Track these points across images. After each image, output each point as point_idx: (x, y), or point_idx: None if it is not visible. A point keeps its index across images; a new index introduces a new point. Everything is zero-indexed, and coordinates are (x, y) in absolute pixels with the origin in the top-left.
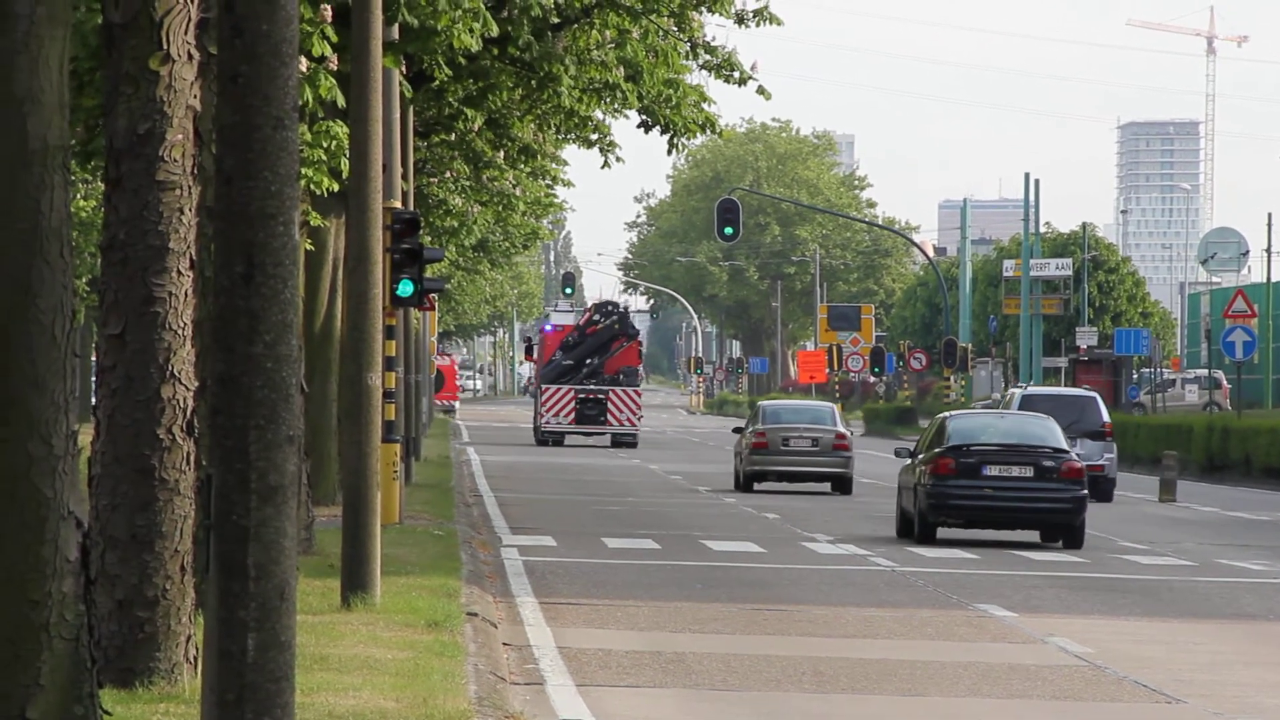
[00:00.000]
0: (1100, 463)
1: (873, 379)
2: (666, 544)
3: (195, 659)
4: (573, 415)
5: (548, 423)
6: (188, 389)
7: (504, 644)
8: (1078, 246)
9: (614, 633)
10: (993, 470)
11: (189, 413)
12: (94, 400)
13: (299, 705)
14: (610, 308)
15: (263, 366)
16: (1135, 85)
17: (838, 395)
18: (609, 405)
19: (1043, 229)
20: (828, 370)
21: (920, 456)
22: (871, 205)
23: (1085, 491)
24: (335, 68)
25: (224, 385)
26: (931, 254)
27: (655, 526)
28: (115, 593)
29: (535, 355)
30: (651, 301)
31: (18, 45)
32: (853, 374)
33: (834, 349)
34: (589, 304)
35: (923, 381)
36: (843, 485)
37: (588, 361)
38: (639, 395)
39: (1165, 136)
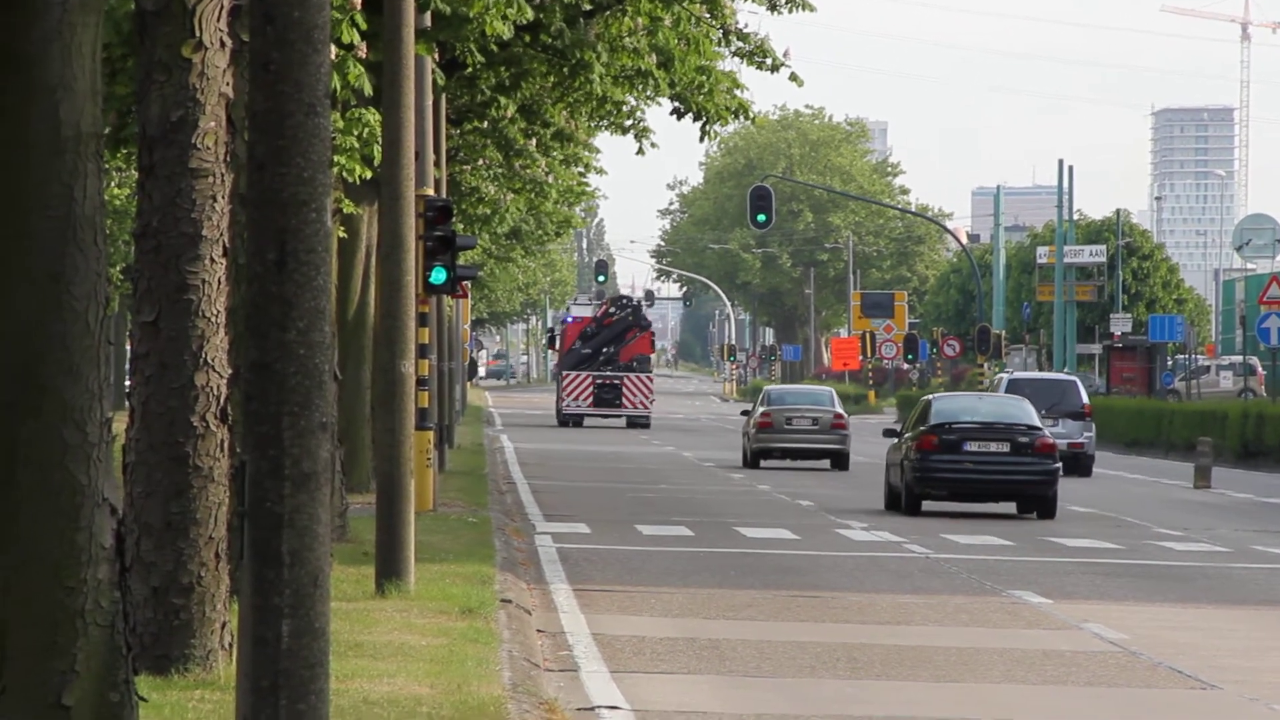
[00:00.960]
0: (1080, 440)
1: (906, 366)
2: (700, 531)
3: (230, 646)
4: (591, 399)
5: (568, 405)
6: (221, 376)
7: (538, 631)
8: (1111, 233)
9: (648, 619)
10: (973, 446)
11: (222, 400)
12: (128, 388)
13: (333, 692)
14: (625, 301)
15: (296, 353)
16: (1170, 71)
17: (871, 382)
18: (624, 390)
19: (1076, 215)
20: (861, 357)
21: (906, 435)
22: (905, 192)
23: (1058, 465)
24: (364, 55)
25: (257, 372)
26: (965, 241)
27: (689, 513)
28: (150, 580)
29: (557, 345)
30: (684, 289)
31: (51, 33)
32: (886, 361)
33: (867, 336)
34: (605, 297)
35: (956, 368)
36: (840, 461)
37: (604, 350)
38: (651, 380)
39: (1200, 123)
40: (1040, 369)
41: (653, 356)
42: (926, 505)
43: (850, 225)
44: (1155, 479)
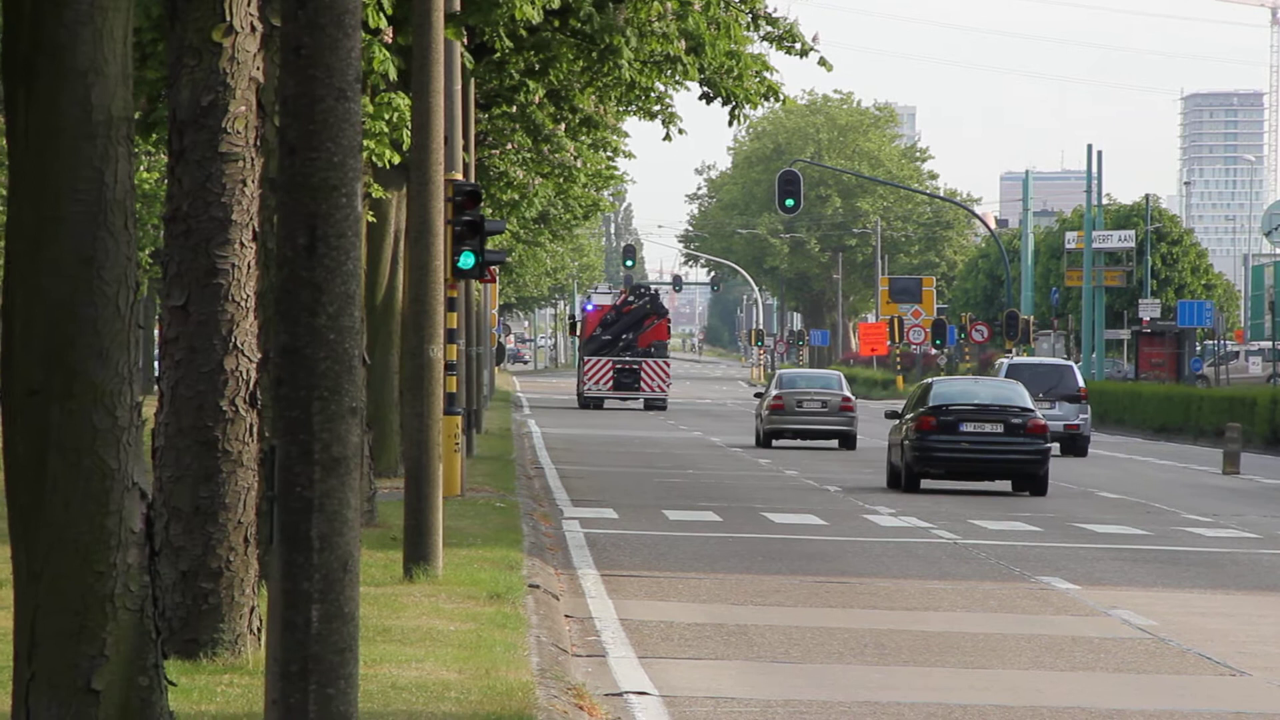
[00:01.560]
0: (1076, 422)
1: (934, 351)
2: (728, 516)
3: (258, 630)
4: (611, 382)
5: (589, 389)
6: (250, 361)
7: (566, 616)
8: (1140, 218)
9: (676, 605)
10: (969, 427)
11: (252, 384)
12: (157, 372)
13: (361, 677)
14: (643, 290)
15: (326, 338)
16: (1199, 56)
17: (899, 367)
18: (642, 374)
19: (1105, 201)
20: (889, 342)
21: (907, 416)
22: (933, 177)
23: (1049, 445)
24: (390, 40)
25: (287, 357)
26: (993, 226)
27: (716, 498)
28: (179, 564)
29: (578, 331)
30: (712, 274)
31: (82, 17)
32: (914, 346)
33: (895, 321)
34: (624, 286)
35: (984, 354)
36: (848, 441)
37: (624, 336)
38: (668, 365)
39: (1229, 108)
40: (1069, 355)
41: (669, 342)
42: (925, 483)
43: (878, 210)
44: (1184, 464)
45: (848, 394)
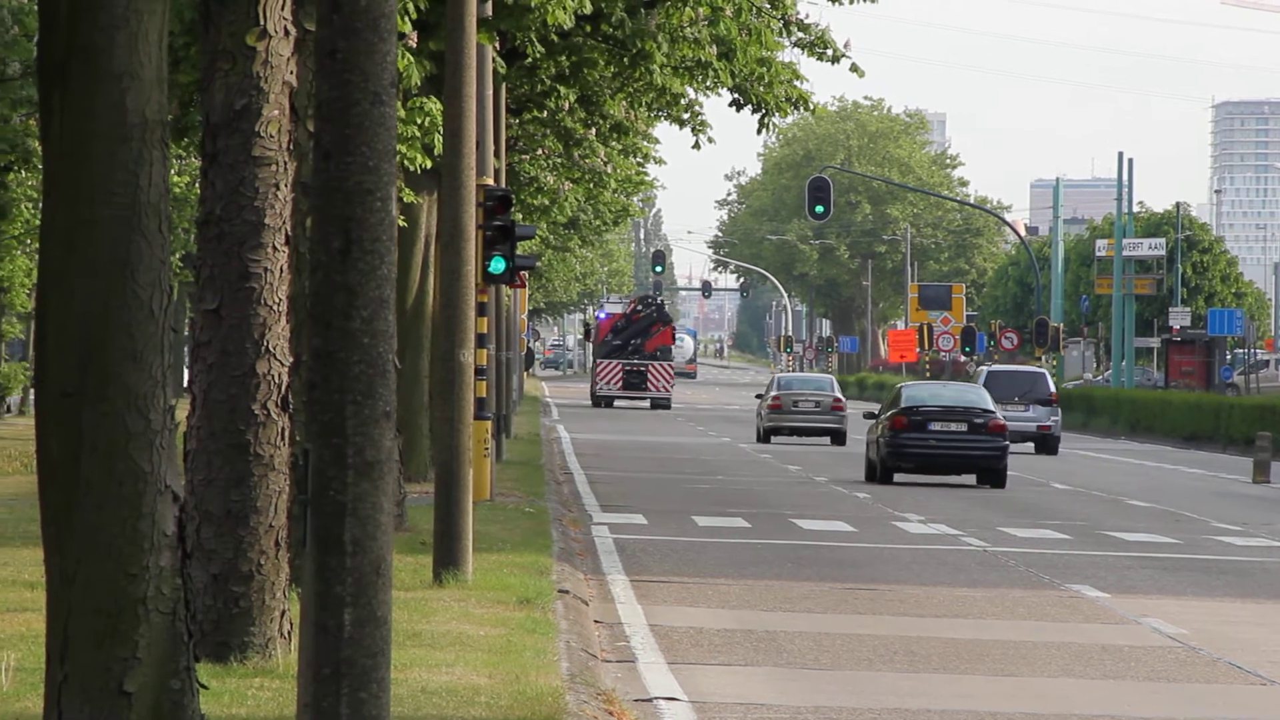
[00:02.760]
0: (1048, 423)
1: (963, 358)
2: (757, 523)
3: (289, 634)
4: (620, 383)
5: (601, 389)
6: (283, 364)
7: (595, 621)
8: (1171, 226)
9: (705, 611)
10: (936, 426)
11: (284, 388)
12: (189, 376)
13: (392, 681)
14: (650, 300)
15: (360, 342)
16: (1230, 65)
17: (928, 374)
18: (649, 376)
19: (1136, 208)
20: (918, 349)
21: (882, 417)
22: (963, 184)
23: (1007, 443)
24: (413, 44)
25: (321, 360)
26: (1023, 233)
27: (745, 505)
28: (210, 567)
29: (592, 337)
30: (741, 280)
31: (118, 20)
32: (943, 353)
33: (924, 328)
34: (633, 297)
35: (1014, 361)
36: (838, 438)
37: (632, 342)
38: (672, 368)
39: (1260, 116)
40: (1098, 363)
41: (673, 348)
42: (898, 477)
43: (908, 217)
44: (1214, 473)
45: (839, 395)
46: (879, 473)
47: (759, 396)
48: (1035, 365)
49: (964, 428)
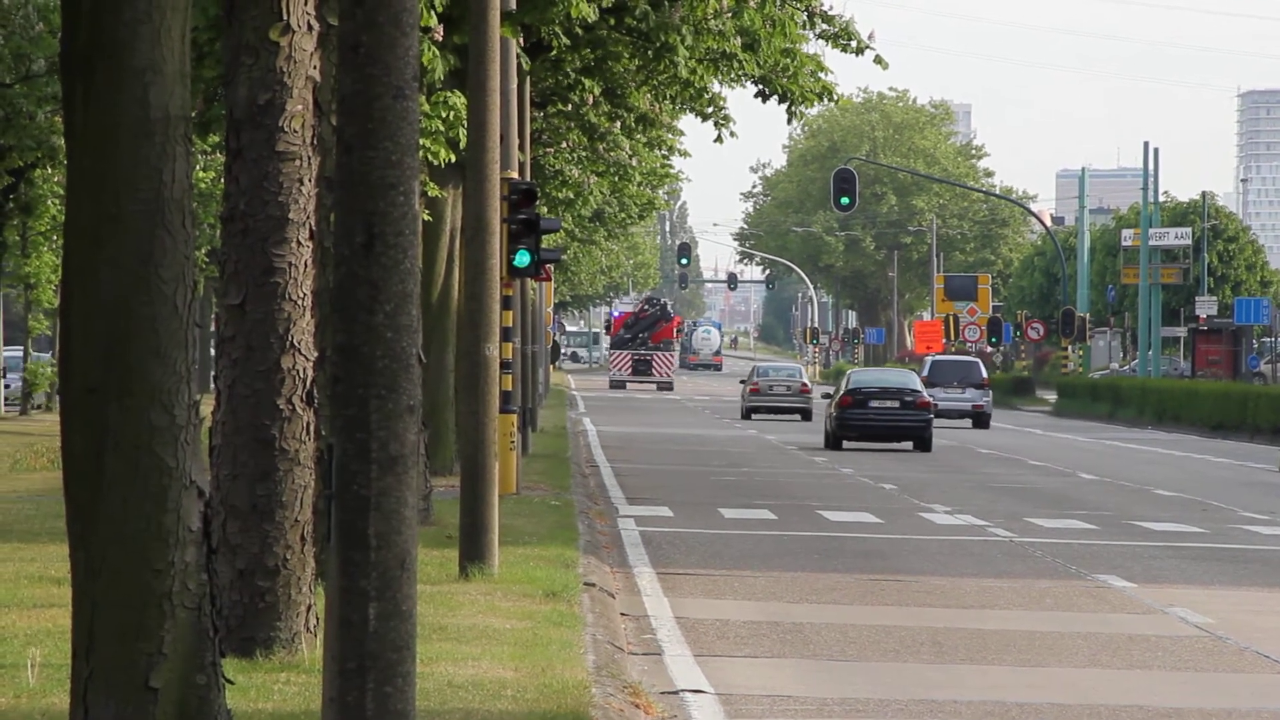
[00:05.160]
0: (980, 403)
1: (990, 349)
2: (783, 514)
3: (315, 628)
4: (630, 369)
5: (614, 374)
6: (307, 359)
7: (621, 614)
8: (1197, 215)
9: (731, 603)
10: (875, 404)
11: (308, 383)
12: (214, 371)
13: (418, 675)
14: (655, 300)
15: (383, 336)
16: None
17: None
18: (654, 363)
19: (1162, 198)
20: (944, 340)
21: (834, 397)
22: (989, 174)
23: (931, 415)
24: (440, 38)
25: (344, 355)
26: (1049, 223)
27: (771, 496)
28: (236, 562)
29: (608, 331)
30: (767, 271)
31: (141, 15)
32: (969, 344)
33: (950, 319)
34: (643, 298)
35: (1040, 351)
36: (806, 415)
37: (640, 335)
38: (674, 356)
39: None
40: (1124, 352)
41: (675, 341)
42: (847, 445)
43: (934, 208)
44: (1240, 462)
45: (806, 382)
46: (831, 441)
47: (743, 382)
48: (971, 357)
49: (897, 404)
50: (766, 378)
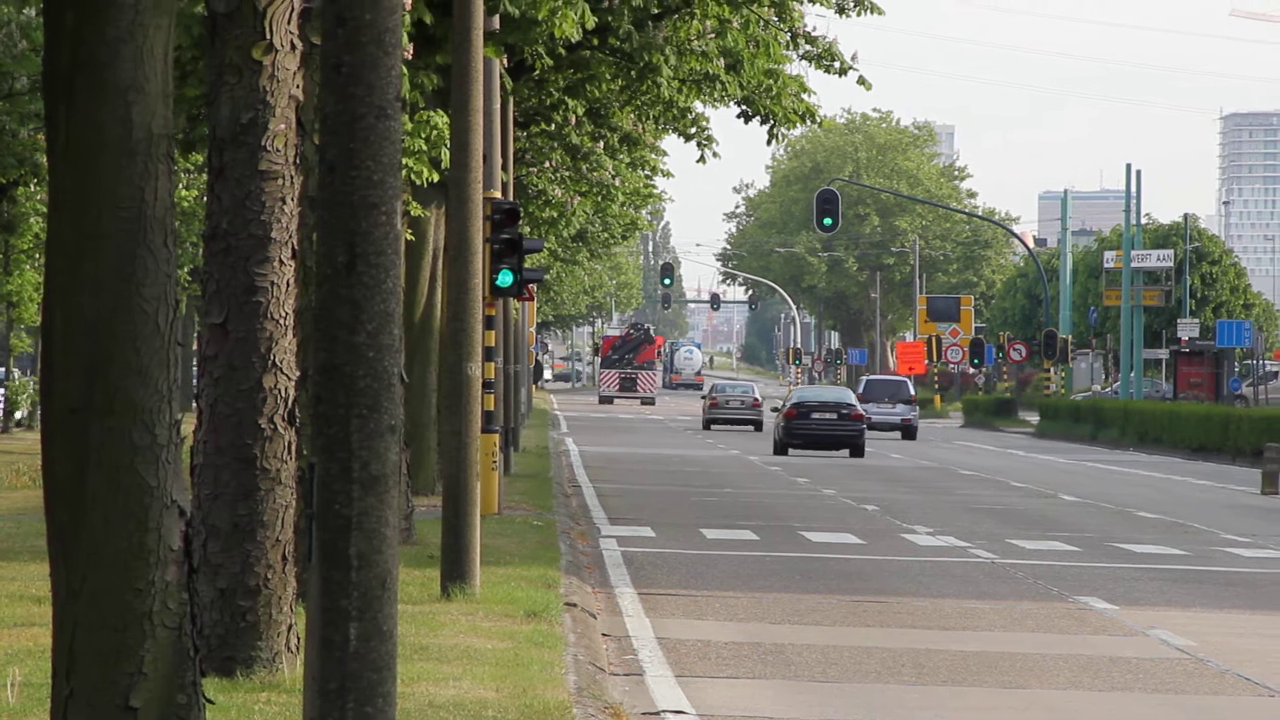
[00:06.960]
0: (909, 416)
1: (972, 370)
2: (765, 535)
3: (296, 648)
4: (617, 386)
5: (603, 390)
6: (289, 378)
7: (603, 634)
8: (1179, 238)
9: (713, 624)
10: (816, 416)
11: (290, 402)
12: (195, 389)
13: (399, 695)
14: (640, 325)
15: (365, 356)
16: (1238, 76)
17: (937, 386)
18: (638, 380)
19: (1144, 220)
20: (927, 361)
21: (781, 410)
22: (971, 196)
23: (864, 426)
24: (409, 57)
25: (326, 374)
26: (1032, 245)
27: (753, 517)
28: (217, 581)
29: (597, 353)
30: (750, 292)
31: (123, 34)
32: (952, 365)
33: (933, 340)
34: (628, 323)
35: (1022, 373)
36: (758, 426)
37: (626, 356)
38: (656, 375)
39: (1269, 127)
40: (1106, 374)
41: (657, 361)
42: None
43: (917, 229)
44: (1222, 484)
45: (757, 396)
46: (778, 448)
47: (704, 397)
48: (902, 376)
49: (834, 416)
50: (724, 393)
